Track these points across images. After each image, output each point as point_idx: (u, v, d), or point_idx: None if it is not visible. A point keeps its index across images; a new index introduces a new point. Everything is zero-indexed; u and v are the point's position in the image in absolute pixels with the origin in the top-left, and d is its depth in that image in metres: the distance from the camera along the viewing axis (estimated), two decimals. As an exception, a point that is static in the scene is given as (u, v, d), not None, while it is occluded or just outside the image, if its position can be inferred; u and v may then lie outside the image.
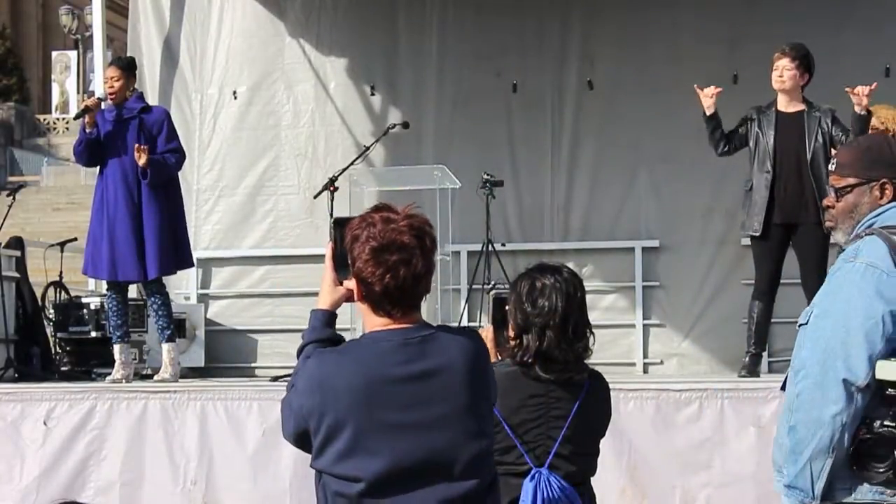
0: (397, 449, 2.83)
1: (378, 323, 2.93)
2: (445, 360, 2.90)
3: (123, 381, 7.59)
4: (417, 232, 2.89)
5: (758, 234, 7.07)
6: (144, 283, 7.96)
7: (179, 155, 7.84)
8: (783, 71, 7.08)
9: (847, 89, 7.00)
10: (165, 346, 7.85)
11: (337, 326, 3.10)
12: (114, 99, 7.80)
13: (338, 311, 3.12)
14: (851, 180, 3.34)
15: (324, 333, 3.05)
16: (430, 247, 2.92)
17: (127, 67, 7.93)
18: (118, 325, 7.84)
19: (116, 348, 7.82)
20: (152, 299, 7.88)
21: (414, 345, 2.90)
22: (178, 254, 7.87)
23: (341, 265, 3.01)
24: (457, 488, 2.85)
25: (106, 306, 8.10)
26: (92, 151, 7.77)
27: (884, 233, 3.20)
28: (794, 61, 7.07)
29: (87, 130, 7.70)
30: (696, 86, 7.27)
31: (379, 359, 2.88)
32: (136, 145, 7.57)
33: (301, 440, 2.94)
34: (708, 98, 7.13)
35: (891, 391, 3.08)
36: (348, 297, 3.04)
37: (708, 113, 7.14)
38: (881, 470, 3.05)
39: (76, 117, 7.93)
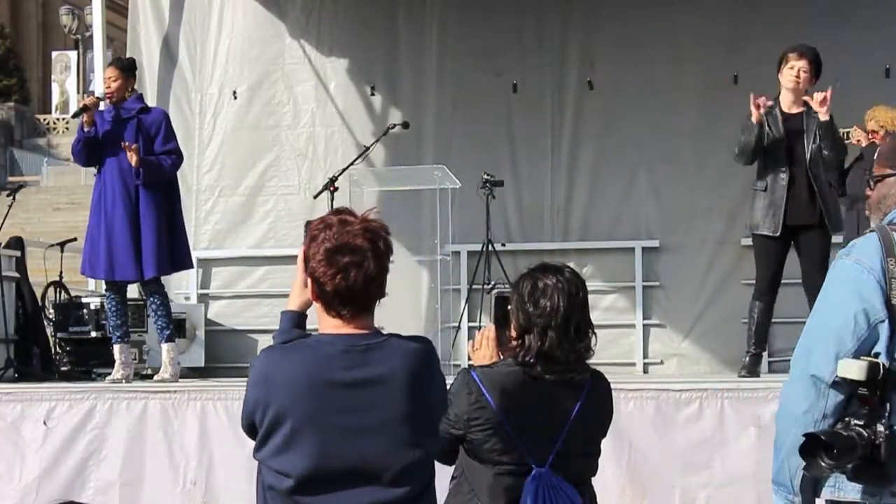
0: (328, 451, 2.91)
1: (330, 324, 3.01)
2: (386, 370, 2.96)
3: (123, 381, 7.59)
4: (372, 235, 2.97)
5: (776, 234, 7.03)
6: (143, 283, 7.96)
7: (176, 156, 7.82)
8: (800, 72, 7.05)
9: (805, 98, 7.00)
10: (165, 347, 7.85)
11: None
12: (111, 99, 7.79)
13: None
14: (886, 171, 3.29)
15: (292, 335, 3.12)
16: (384, 250, 2.99)
17: (126, 68, 7.91)
18: (117, 325, 7.83)
19: (116, 348, 7.81)
20: (151, 299, 7.87)
21: (357, 352, 2.96)
22: (175, 254, 7.85)
23: None
24: (383, 495, 2.92)
25: (105, 306, 8.08)
26: (90, 151, 7.75)
27: (885, 229, 3.15)
28: (810, 63, 7.06)
29: (85, 129, 7.69)
30: (752, 95, 7.04)
31: (321, 362, 2.95)
32: (124, 143, 7.55)
33: (250, 431, 3.04)
34: (758, 108, 6.98)
35: (862, 390, 3.04)
36: None
37: (756, 121, 6.98)
38: (824, 463, 3.01)
39: (74, 116, 7.92)
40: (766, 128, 7.05)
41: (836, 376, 3.06)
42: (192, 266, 8.45)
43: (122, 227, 7.63)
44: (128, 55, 9.92)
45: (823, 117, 6.89)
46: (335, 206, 8.36)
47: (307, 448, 2.90)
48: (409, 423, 2.96)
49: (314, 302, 3.04)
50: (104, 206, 7.70)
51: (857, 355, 3.05)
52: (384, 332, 3.05)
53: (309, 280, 3.02)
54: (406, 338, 3.06)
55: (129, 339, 8.01)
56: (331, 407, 2.92)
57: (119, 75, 7.79)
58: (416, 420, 2.98)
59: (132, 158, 7.52)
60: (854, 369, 3.02)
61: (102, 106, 7.83)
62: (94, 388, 7.03)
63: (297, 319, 3.16)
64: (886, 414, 3.03)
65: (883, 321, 3.06)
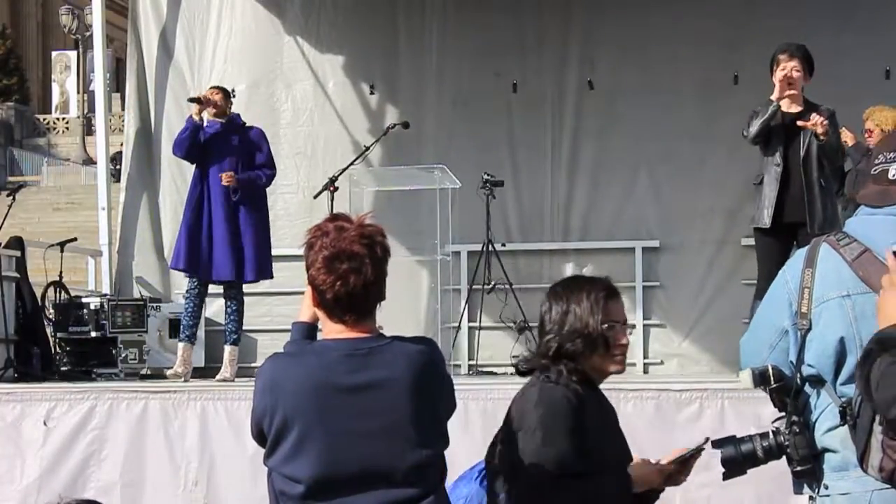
0: (336, 455, 2.93)
1: (333, 329, 3.03)
2: (390, 373, 2.97)
3: (183, 378, 7.85)
4: (369, 241, 2.98)
5: (767, 226, 7.02)
6: (230, 284, 8.23)
7: (272, 171, 8.25)
8: (792, 71, 7.02)
9: (799, 123, 6.93)
10: (228, 349, 8.18)
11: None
12: (216, 112, 8.18)
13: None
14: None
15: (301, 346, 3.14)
16: (382, 255, 3.01)
17: (225, 91, 8.44)
18: (189, 325, 8.17)
19: (180, 346, 8.14)
20: (230, 303, 8.23)
21: (360, 356, 2.98)
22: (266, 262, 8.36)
23: None
24: (393, 496, 2.94)
25: (184, 306, 8.34)
26: (193, 142, 8.10)
27: (818, 240, 3.20)
28: (801, 62, 7.03)
29: (195, 118, 8.13)
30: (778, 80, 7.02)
31: (326, 367, 2.97)
32: (228, 173, 7.97)
33: (260, 438, 3.06)
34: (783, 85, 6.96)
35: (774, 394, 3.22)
36: None
37: (776, 99, 6.91)
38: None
39: (190, 100, 8.42)
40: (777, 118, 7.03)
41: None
42: (271, 276, 8.61)
43: (223, 230, 8.01)
44: (128, 55, 9.99)
45: (822, 139, 6.89)
46: (334, 207, 8.42)
47: (316, 453, 2.92)
48: (415, 424, 2.97)
49: (317, 309, 3.06)
50: (207, 210, 8.05)
51: (774, 361, 3.22)
52: (386, 334, 3.06)
53: (309, 287, 3.03)
54: (409, 339, 3.07)
55: (195, 341, 8.30)
56: (337, 411, 2.94)
57: (220, 93, 8.31)
58: (422, 421, 2.98)
59: (228, 182, 7.93)
60: (745, 379, 3.23)
61: (206, 115, 8.16)
62: (94, 388, 7.03)
63: (307, 331, 3.19)
64: (793, 415, 3.13)
65: (786, 331, 3.17)
